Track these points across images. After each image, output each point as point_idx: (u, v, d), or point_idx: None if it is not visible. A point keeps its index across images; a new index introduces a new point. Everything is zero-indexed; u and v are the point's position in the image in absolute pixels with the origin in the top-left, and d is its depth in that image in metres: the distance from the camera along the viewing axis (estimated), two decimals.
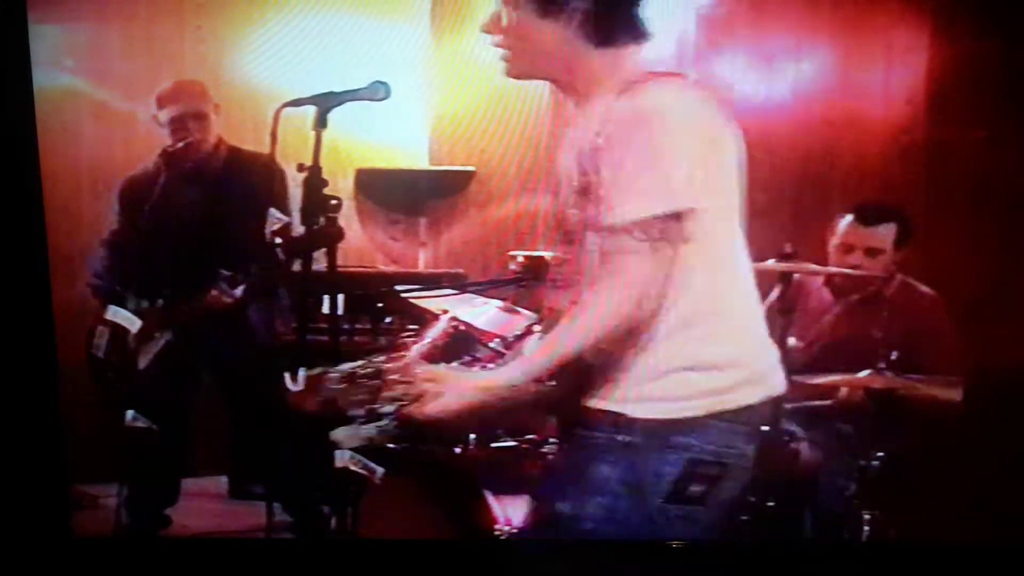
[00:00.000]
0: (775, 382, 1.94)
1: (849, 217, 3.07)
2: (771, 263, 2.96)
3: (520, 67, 1.92)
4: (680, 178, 1.75)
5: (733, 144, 1.86)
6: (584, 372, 1.88)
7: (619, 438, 1.85)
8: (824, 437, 2.92)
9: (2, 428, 2.59)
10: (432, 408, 1.82)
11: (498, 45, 1.92)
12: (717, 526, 1.98)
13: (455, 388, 1.82)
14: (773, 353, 1.96)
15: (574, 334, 1.81)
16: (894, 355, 2.77)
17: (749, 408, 1.87)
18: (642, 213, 1.74)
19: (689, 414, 1.83)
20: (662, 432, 1.83)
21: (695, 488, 1.85)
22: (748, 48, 3.82)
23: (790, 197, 3.69)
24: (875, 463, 2.77)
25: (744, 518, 2.63)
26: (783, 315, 2.83)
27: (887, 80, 3.79)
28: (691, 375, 1.84)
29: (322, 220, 2.18)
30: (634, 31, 1.88)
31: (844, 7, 3.77)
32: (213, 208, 3.14)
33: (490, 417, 2.46)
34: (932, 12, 3.72)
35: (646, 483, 1.84)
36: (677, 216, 1.76)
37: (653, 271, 1.77)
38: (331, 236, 2.20)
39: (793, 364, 2.69)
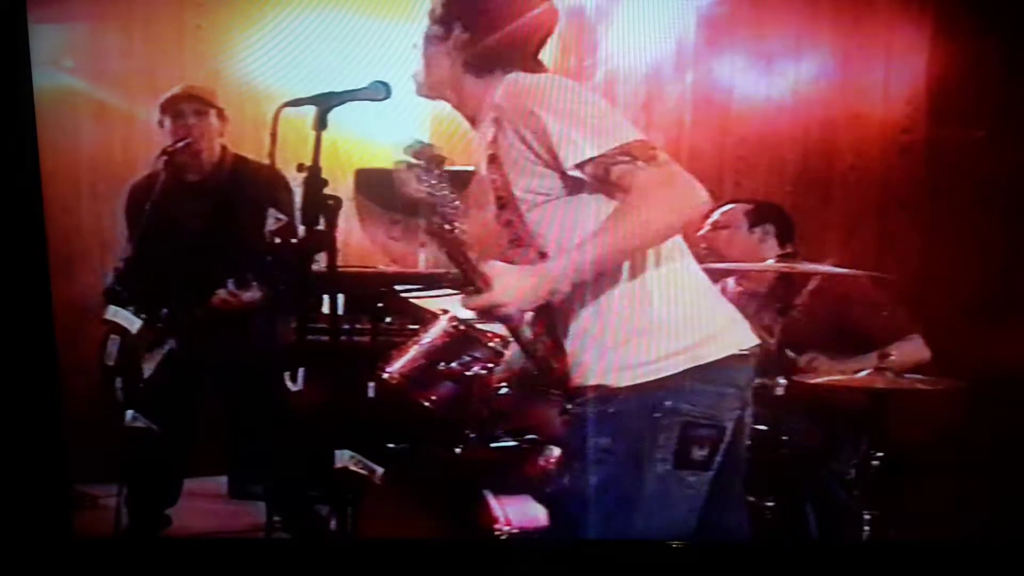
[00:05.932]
0: (737, 338, 1.94)
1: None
2: (771, 262, 2.97)
3: (423, 86, 2.05)
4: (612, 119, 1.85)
5: None
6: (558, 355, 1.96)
7: (609, 410, 1.88)
8: (823, 435, 2.92)
9: (2, 428, 2.59)
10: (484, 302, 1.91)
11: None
12: (738, 498, 2.04)
13: (507, 285, 1.92)
14: (724, 310, 1.99)
15: (621, 230, 1.82)
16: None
17: (719, 365, 1.89)
18: (599, 150, 1.82)
19: (666, 373, 1.86)
20: (646, 398, 1.86)
21: (697, 452, 1.87)
22: (748, 48, 3.82)
23: (790, 197, 3.68)
24: (875, 463, 2.76)
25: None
26: (782, 314, 2.83)
27: (887, 80, 3.79)
28: (653, 336, 1.87)
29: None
30: (511, 62, 1.96)
31: (844, 7, 3.77)
32: (220, 218, 3.11)
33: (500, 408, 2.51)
34: (932, 12, 3.72)
35: (645, 450, 1.87)
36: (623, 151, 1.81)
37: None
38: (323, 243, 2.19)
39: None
